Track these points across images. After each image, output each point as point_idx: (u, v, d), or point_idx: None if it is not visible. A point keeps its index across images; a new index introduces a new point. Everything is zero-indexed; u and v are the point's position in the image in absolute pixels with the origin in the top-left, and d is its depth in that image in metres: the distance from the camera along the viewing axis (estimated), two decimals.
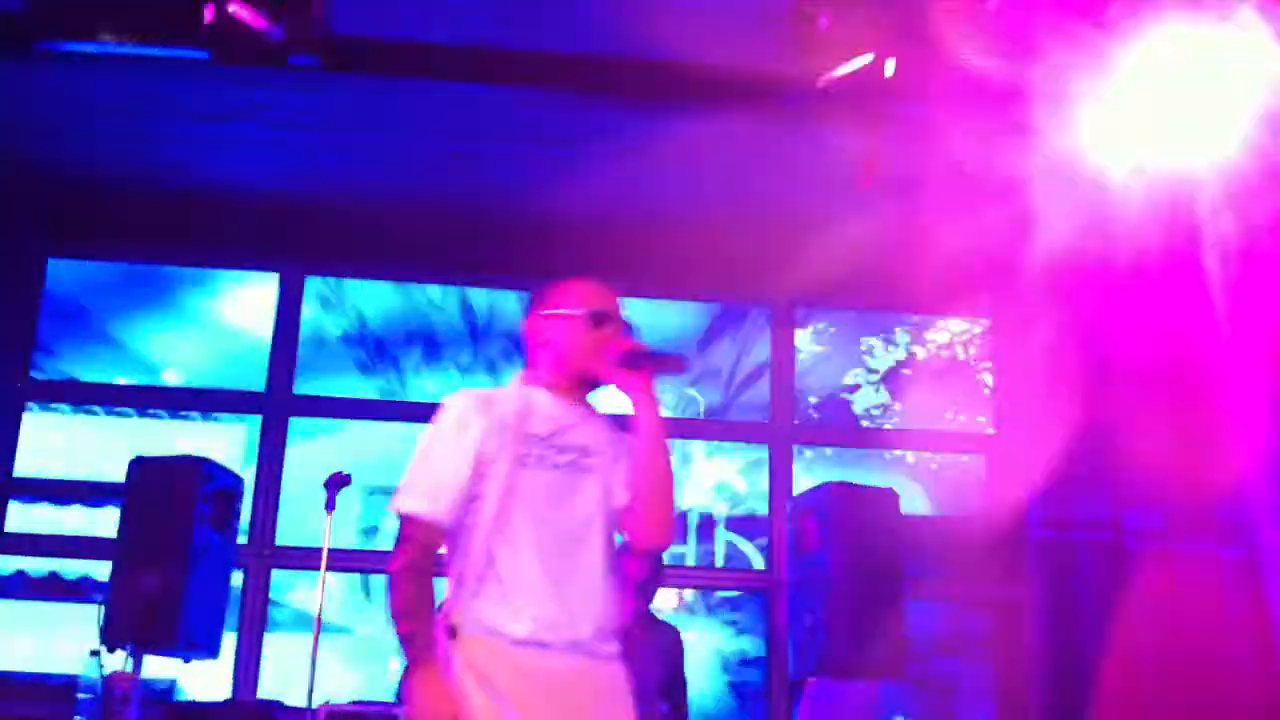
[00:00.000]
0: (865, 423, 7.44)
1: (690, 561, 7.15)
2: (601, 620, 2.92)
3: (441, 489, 2.90)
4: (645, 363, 3.00)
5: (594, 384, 3.11)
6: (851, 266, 6.23)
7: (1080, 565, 6.54)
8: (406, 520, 2.90)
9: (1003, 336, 7.30)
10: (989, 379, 7.46)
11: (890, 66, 4.60)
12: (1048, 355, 6.63)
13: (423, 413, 7.11)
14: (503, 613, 2.83)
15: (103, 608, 5.37)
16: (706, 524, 7.27)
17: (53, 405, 7.05)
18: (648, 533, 3.06)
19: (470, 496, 2.90)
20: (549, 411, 3.03)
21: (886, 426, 7.42)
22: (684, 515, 7.19)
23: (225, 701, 6.10)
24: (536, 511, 2.91)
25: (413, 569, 2.85)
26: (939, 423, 7.40)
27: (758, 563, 7.16)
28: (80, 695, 4.75)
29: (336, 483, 4.83)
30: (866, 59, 4.59)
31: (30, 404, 6.93)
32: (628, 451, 3.06)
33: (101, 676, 4.76)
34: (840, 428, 7.43)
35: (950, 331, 7.56)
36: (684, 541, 7.22)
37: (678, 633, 5.14)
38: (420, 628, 2.81)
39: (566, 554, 2.92)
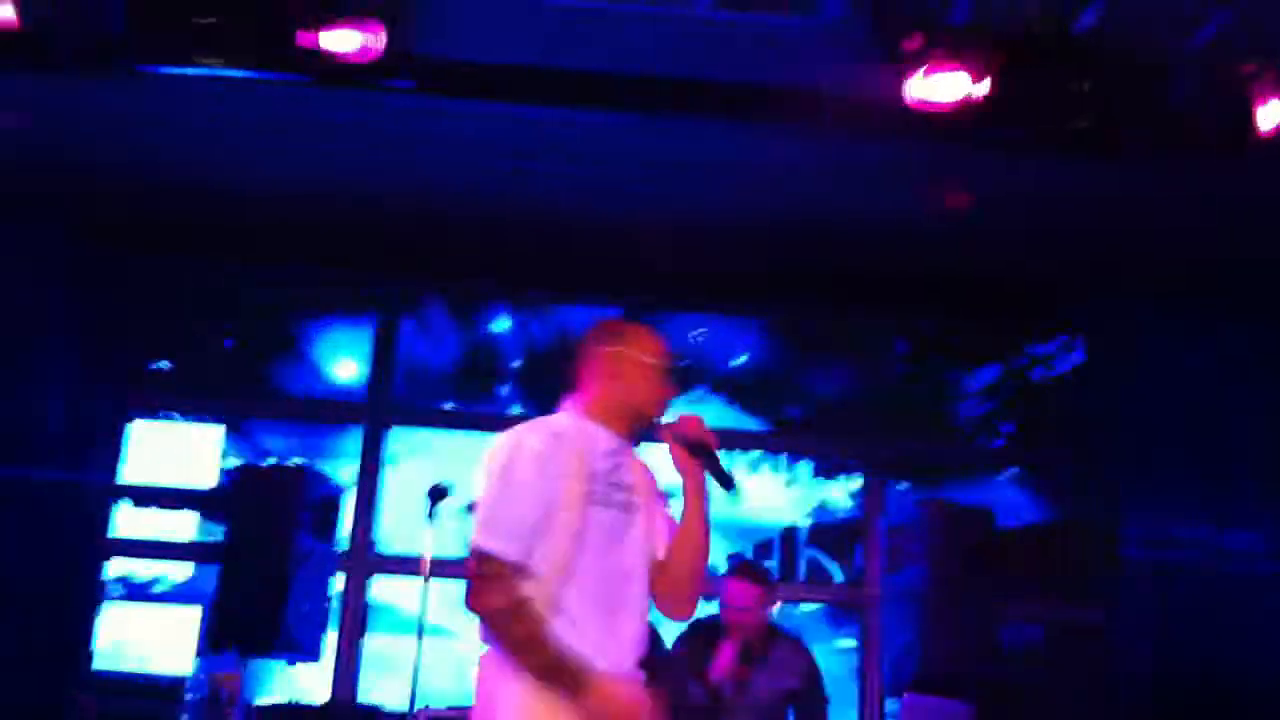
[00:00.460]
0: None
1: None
2: (639, 651, 3.00)
3: (523, 531, 2.91)
4: (706, 459, 3.06)
5: (645, 432, 3.15)
6: None
7: (1177, 587, 6.46)
8: (490, 558, 2.90)
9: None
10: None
11: None
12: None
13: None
14: (571, 644, 2.86)
15: (208, 611, 5.54)
16: (788, 537, 7.30)
17: (162, 413, 7.25)
18: (678, 604, 3.14)
19: (539, 533, 2.92)
20: (606, 447, 3.07)
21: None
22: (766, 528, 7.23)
23: (326, 704, 6.22)
24: (598, 548, 2.95)
25: (514, 606, 2.86)
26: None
27: (838, 577, 7.18)
28: (187, 696, 4.88)
29: (437, 493, 4.92)
30: None
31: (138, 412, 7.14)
32: (667, 512, 3.15)
33: (207, 678, 4.89)
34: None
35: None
36: (769, 556, 7.24)
37: (808, 648, 5.04)
38: (556, 652, 2.84)
39: (618, 589, 2.99)
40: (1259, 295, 6.36)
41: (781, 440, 7.39)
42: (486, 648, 2.96)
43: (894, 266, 6.67)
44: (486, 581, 2.89)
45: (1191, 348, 6.63)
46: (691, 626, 4.85)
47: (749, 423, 7.38)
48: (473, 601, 2.91)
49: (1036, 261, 6.51)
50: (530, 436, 3.02)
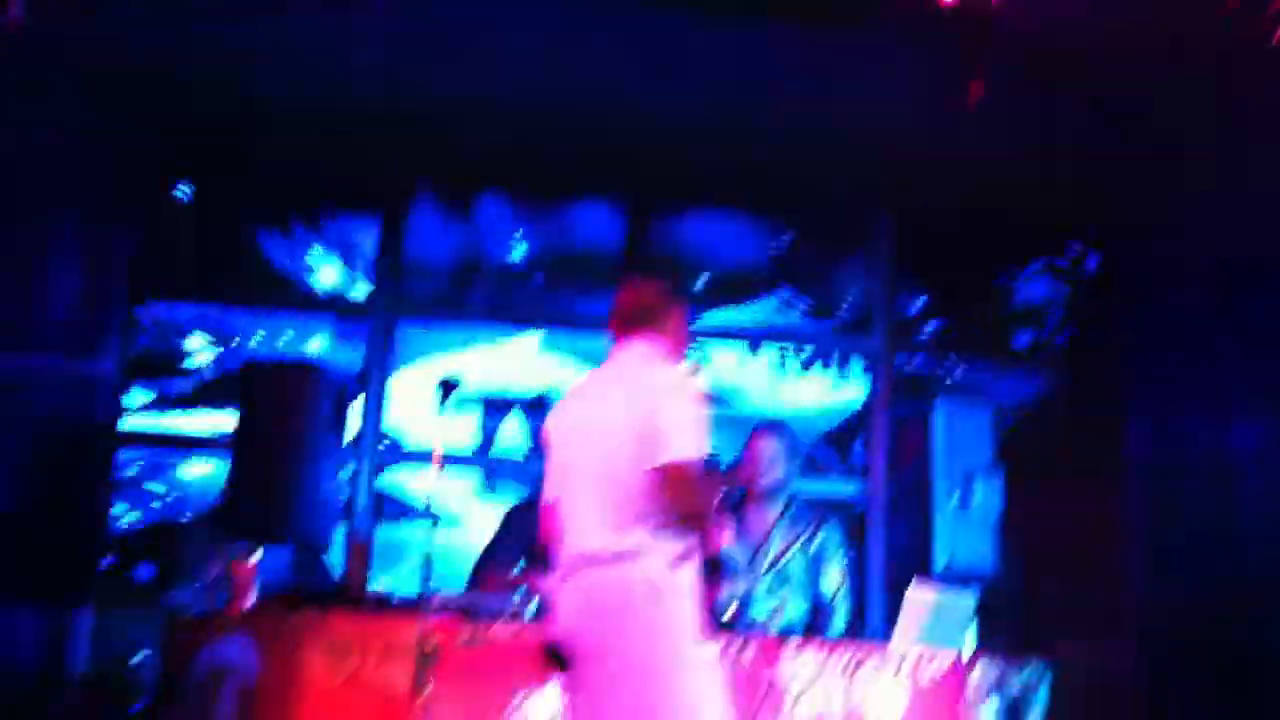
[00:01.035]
0: None
1: None
2: None
3: None
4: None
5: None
6: None
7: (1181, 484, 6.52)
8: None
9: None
10: None
11: None
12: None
13: (527, 321, 7.19)
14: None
15: (219, 502, 5.62)
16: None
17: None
18: None
19: None
20: None
21: None
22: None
23: (338, 591, 6.33)
24: None
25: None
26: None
27: (839, 471, 7.30)
28: (202, 583, 4.96)
29: (447, 385, 4.95)
30: None
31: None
32: None
33: (225, 566, 4.96)
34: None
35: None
36: None
37: None
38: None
39: None
40: None
41: (784, 331, 7.45)
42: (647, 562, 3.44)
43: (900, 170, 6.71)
44: (708, 481, 3.60)
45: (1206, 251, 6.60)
46: None
47: (753, 314, 7.42)
48: (695, 500, 3.50)
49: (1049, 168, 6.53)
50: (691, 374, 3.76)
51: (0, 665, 5.95)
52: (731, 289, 7.41)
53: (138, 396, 7.11)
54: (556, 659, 3.56)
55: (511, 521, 5.53)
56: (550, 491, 3.77)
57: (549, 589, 3.66)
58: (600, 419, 3.68)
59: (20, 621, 6.07)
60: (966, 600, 4.89)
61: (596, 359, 3.97)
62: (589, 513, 3.61)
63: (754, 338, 7.50)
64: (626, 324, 3.82)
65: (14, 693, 5.93)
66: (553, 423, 3.85)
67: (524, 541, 5.17)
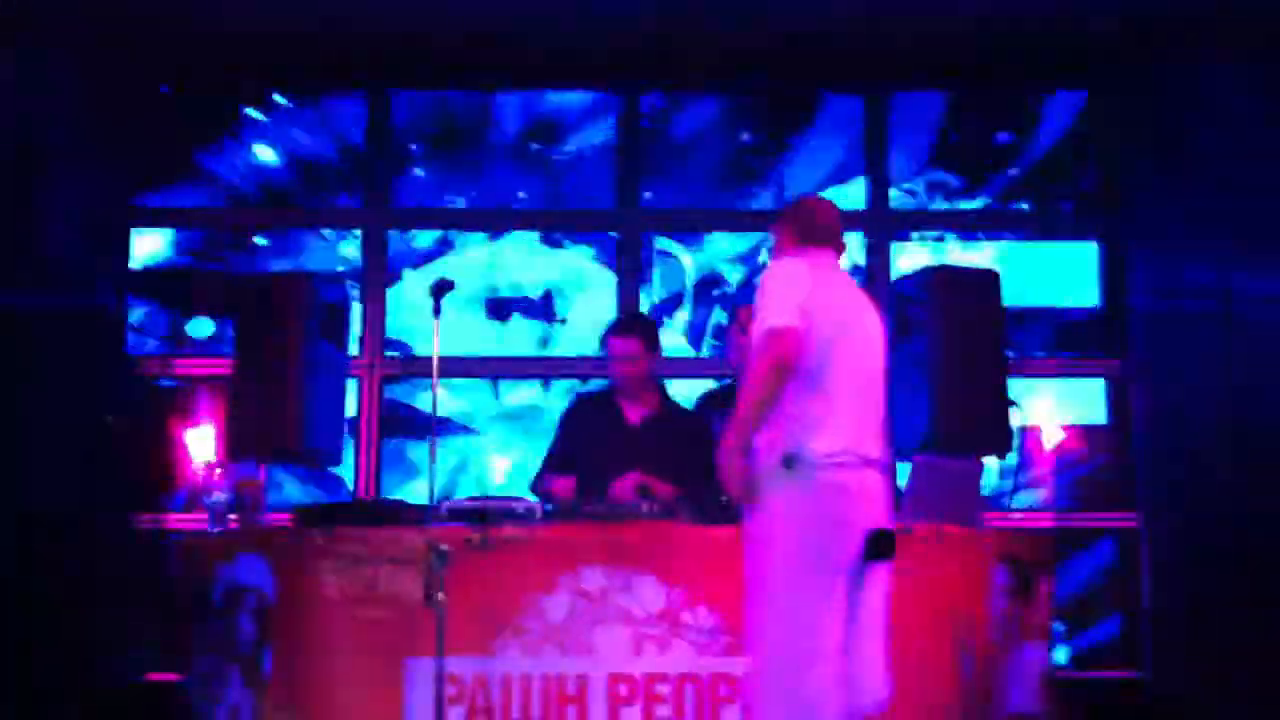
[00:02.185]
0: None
1: None
2: None
3: None
4: None
5: None
6: None
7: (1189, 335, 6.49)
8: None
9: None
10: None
11: None
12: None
13: (522, 222, 7.17)
14: None
15: (225, 421, 5.60)
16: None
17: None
18: None
19: None
20: None
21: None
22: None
23: (350, 501, 6.36)
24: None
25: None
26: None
27: None
28: (211, 503, 4.96)
29: (441, 287, 4.90)
30: None
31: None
32: None
33: (231, 484, 4.97)
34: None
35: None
36: None
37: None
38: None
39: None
40: None
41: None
42: None
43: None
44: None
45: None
46: None
47: (757, 201, 7.35)
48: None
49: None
50: None
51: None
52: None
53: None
54: (878, 545, 3.72)
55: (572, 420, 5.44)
56: (823, 377, 3.75)
57: (850, 474, 3.73)
58: (867, 331, 3.90)
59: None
60: (975, 470, 4.88)
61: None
62: (869, 416, 3.82)
63: None
64: (839, 240, 4.02)
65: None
66: (822, 303, 3.78)
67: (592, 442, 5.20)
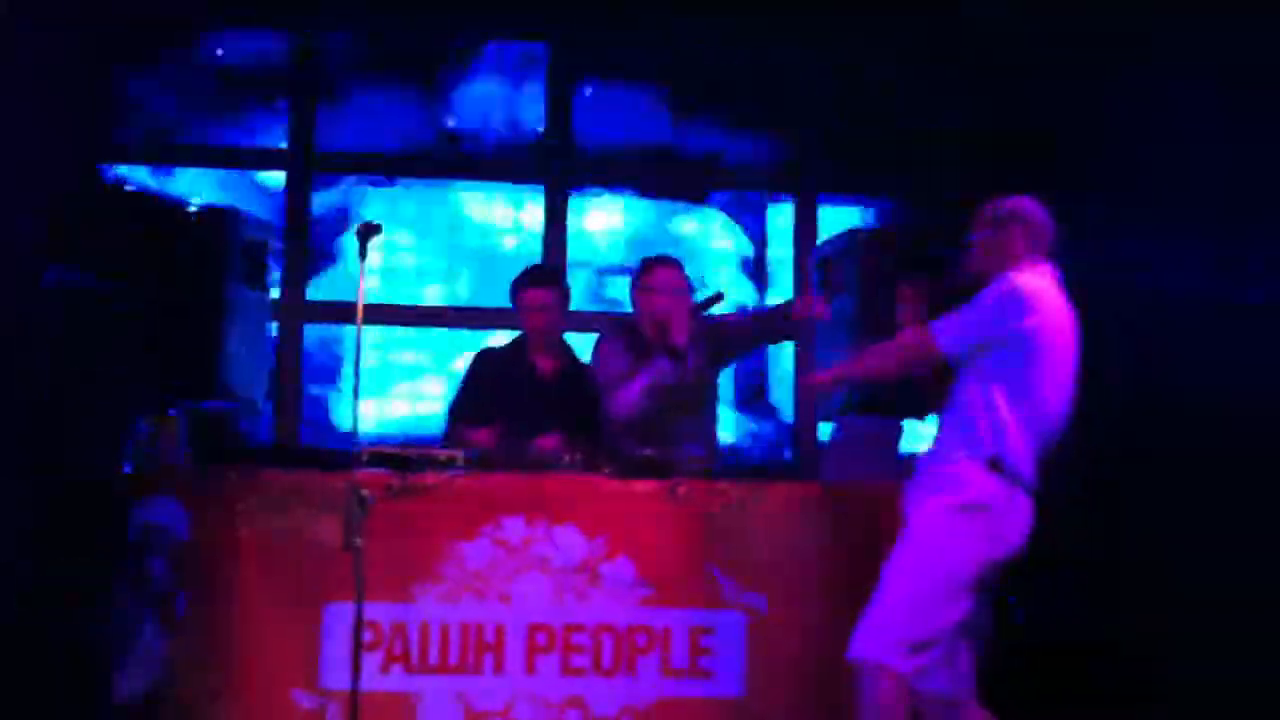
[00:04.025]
0: None
1: None
2: None
3: None
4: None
5: None
6: None
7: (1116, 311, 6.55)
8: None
9: None
10: None
11: None
12: None
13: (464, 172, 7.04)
14: None
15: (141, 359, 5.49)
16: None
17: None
18: None
19: None
20: None
21: None
22: None
23: (270, 445, 6.29)
24: None
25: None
26: None
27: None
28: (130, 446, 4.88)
29: (366, 231, 4.82)
30: None
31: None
32: None
33: (148, 426, 4.89)
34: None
35: None
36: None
37: None
38: None
39: None
40: None
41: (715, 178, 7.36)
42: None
43: None
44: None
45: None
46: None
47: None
48: None
49: None
50: None
51: None
52: None
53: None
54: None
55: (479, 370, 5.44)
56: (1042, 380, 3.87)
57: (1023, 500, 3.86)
58: (1071, 361, 3.93)
59: None
60: (895, 430, 4.94)
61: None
62: (1046, 444, 3.90)
63: None
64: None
65: None
66: (1042, 305, 3.88)
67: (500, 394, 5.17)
